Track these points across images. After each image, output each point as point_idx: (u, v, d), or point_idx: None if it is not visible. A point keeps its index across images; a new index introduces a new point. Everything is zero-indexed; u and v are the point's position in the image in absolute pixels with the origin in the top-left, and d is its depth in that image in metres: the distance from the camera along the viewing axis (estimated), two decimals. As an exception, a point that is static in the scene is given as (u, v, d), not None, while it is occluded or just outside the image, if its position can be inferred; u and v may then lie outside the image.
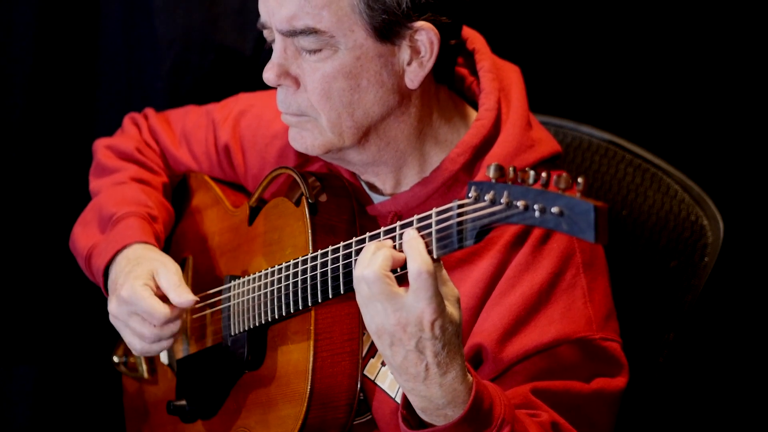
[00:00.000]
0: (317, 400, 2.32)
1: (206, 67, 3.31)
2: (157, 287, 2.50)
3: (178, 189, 2.85)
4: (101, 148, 2.85)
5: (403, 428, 2.19)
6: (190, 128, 2.80)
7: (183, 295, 2.48)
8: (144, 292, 2.47)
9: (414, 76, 2.35)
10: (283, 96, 2.39)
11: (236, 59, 3.31)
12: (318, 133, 2.38)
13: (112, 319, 2.55)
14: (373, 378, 2.43)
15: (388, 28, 2.30)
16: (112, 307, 2.52)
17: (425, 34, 2.32)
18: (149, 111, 2.89)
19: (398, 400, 2.38)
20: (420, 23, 2.31)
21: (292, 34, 2.31)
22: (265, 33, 2.40)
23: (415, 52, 2.33)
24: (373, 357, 2.44)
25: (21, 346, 3.34)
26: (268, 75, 2.36)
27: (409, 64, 2.34)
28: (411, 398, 2.15)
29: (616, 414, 2.37)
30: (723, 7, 3.24)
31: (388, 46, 2.32)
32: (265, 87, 2.77)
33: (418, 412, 2.17)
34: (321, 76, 2.32)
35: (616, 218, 2.87)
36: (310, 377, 2.32)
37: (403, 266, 2.09)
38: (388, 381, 2.42)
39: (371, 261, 2.08)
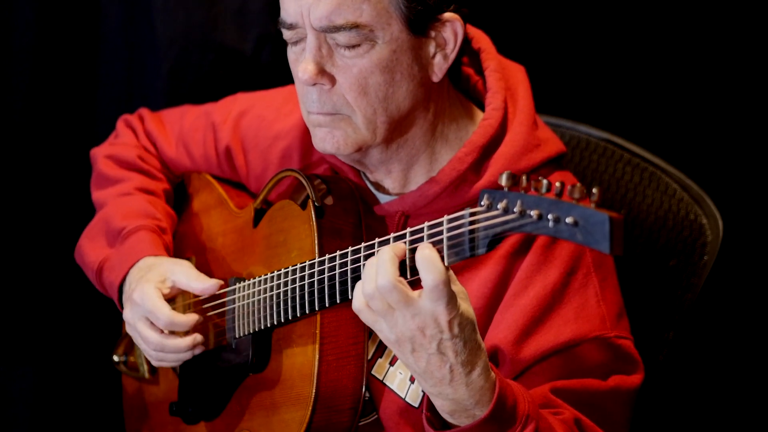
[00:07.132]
0: (322, 403, 2.32)
1: (206, 67, 3.31)
2: (170, 289, 2.52)
3: (180, 188, 2.84)
4: (101, 158, 2.82)
5: (427, 429, 2.20)
6: (187, 130, 2.79)
7: (206, 282, 2.51)
8: (152, 293, 2.49)
9: (438, 69, 2.37)
10: (316, 95, 2.35)
11: (236, 59, 3.30)
12: (351, 130, 2.36)
13: (127, 327, 2.58)
14: (381, 378, 2.43)
15: (421, 21, 2.31)
16: (126, 312, 2.55)
17: (450, 26, 2.35)
18: (144, 112, 2.87)
19: (408, 400, 2.40)
20: (448, 15, 2.34)
21: (332, 30, 2.29)
22: (287, 34, 2.36)
23: (440, 44, 2.35)
24: (381, 357, 2.44)
25: (21, 346, 3.34)
26: (307, 73, 2.31)
27: (433, 57, 2.36)
28: (438, 403, 2.15)
29: (632, 410, 2.38)
30: (722, 6, 3.24)
31: (420, 39, 2.33)
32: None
33: (446, 416, 2.17)
34: (358, 72, 2.31)
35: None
36: (315, 381, 2.32)
37: (413, 272, 2.08)
38: (397, 381, 2.42)
39: (381, 271, 2.06)
